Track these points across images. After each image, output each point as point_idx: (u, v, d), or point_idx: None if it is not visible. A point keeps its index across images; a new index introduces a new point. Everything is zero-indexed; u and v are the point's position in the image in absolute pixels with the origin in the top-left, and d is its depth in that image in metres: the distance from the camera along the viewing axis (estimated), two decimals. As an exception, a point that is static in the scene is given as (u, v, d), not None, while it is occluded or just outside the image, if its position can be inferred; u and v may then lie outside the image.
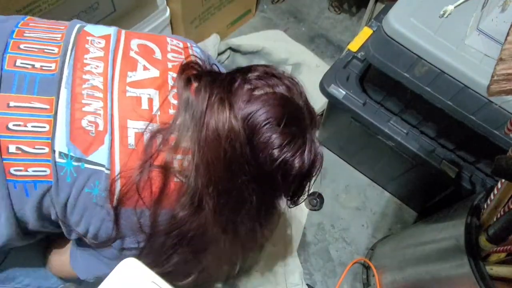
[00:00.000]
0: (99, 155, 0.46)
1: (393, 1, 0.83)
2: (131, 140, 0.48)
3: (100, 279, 0.44)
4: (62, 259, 0.65)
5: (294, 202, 0.61)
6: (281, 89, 0.52)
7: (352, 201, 1.25)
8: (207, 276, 0.63)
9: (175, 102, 0.52)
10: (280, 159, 0.50)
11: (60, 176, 0.46)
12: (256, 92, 0.51)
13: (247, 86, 0.51)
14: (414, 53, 0.79)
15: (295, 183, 0.54)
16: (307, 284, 1.07)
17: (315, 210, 1.21)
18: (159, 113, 0.50)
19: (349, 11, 1.65)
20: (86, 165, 0.46)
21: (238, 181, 0.50)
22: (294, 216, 1.18)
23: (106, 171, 0.46)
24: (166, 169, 0.48)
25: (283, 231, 1.13)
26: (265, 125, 0.49)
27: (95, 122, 0.47)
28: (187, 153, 0.49)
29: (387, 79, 0.90)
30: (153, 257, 0.55)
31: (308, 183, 0.58)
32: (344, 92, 1.01)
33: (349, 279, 1.12)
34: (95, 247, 0.53)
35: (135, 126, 0.49)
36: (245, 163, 0.49)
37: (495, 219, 0.65)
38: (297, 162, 0.51)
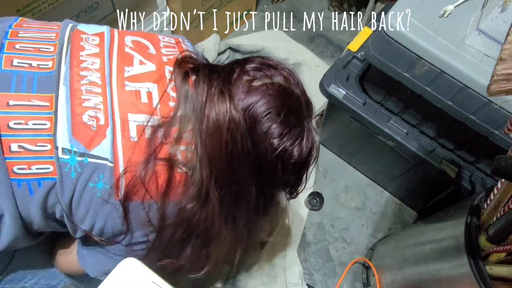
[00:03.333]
0: (102, 149, 0.47)
1: (393, 1, 0.83)
2: (133, 133, 0.48)
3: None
4: (69, 258, 0.65)
5: (292, 193, 0.62)
6: (279, 79, 0.53)
7: (352, 201, 1.25)
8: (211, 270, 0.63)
9: (174, 94, 0.52)
10: (280, 148, 0.51)
11: (64, 172, 0.46)
12: (255, 83, 0.52)
13: (245, 77, 0.52)
14: (414, 53, 0.79)
15: (293, 172, 0.56)
16: (307, 284, 1.07)
17: (315, 210, 1.21)
18: (159, 106, 0.51)
19: (349, 11, 1.65)
20: (90, 160, 0.46)
21: (239, 173, 0.51)
22: (294, 216, 1.18)
23: (110, 164, 0.47)
24: (170, 162, 0.49)
25: (283, 231, 1.13)
26: (265, 115, 0.50)
27: (96, 116, 0.47)
28: (190, 144, 0.50)
29: (387, 79, 0.90)
30: (162, 251, 0.55)
31: (306, 172, 0.59)
32: (344, 92, 1.01)
33: (349, 279, 1.12)
34: (103, 243, 0.53)
35: (136, 119, 0.49)
36: (246, 154, 0.50)
37: (495, 219, 0.65)
38: (296, 151, 0.52)
